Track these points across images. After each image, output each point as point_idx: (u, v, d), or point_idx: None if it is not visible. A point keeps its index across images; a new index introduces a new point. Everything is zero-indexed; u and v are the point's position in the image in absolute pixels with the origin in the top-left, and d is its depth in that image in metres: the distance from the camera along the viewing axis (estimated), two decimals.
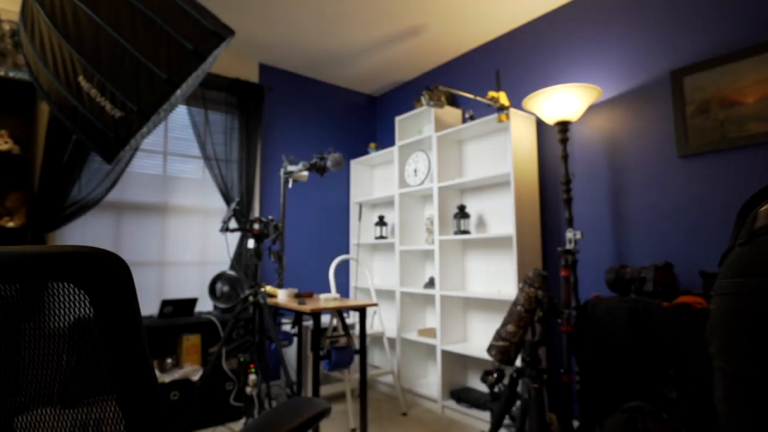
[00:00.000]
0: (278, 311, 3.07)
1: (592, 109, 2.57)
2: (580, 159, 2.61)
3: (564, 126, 2.31)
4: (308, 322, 3.15)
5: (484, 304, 3.00)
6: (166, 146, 3.14)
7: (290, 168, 2.72)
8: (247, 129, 3.38)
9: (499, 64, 3.15)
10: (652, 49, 2.32)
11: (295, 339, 3.51)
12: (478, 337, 3.03)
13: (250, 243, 2.42)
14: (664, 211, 2.23)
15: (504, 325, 1.94)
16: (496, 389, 2.03)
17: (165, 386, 2.47)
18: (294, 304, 2.30)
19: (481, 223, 3.09)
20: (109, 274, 0.53)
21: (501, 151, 2.98)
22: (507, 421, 2.50)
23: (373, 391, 3.41)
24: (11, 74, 2.37)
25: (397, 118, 3.47)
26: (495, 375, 2.02)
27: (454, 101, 3.49)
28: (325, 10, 2.85)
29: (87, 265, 0.53)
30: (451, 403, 2.84)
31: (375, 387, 3.50)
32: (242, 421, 2.73)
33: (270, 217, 2.46)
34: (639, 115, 2.36)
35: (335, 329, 3.02)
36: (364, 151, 4.21)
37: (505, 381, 2.68)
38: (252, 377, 2.30)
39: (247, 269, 3.18)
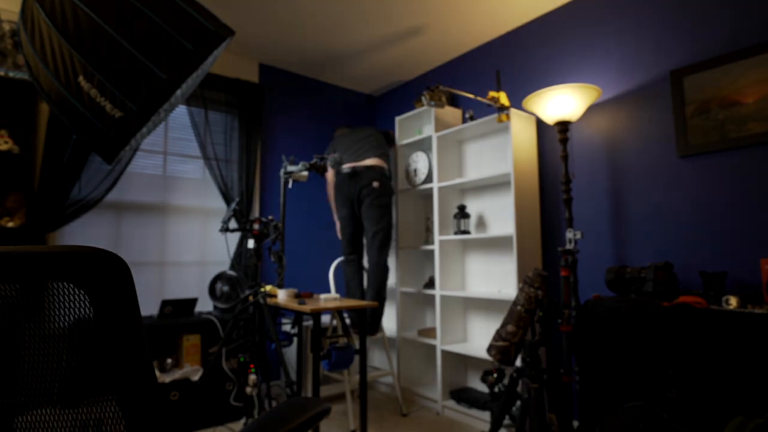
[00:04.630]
0: (278, 311, 3.07)
1: (592, 109, 2.57)
2: (580, 159, 2.61)
3: (564, 126, 2.31)
4: (308, 322, 3.15)
5: (484, 304, 3.00)
6: (166, 146, 3.14)
7: (290, 168, 2.72)
8: (247, 129, 3.37)
9: (499, 64, 3.15)
10: (652, 49, 2.32)
11: (295, 339, 3.51)
12: (478, 337, 3.03)
13: (250, 243, 2.42)
14: (664, 211, 2.23)
15: (504, 325, 1.94)
16: (496, 389, 2.03)
17: (165, 386, 2.47)
18: (294, 304, 2.30)
19: (481, 223, 3.09)
20: (109, 274, 0.53)
21: (501, 151, 2.98)
22: (507, 421, 2.50)
23: (373, 392, 3.41)
24: (11, 74, 2.37)
25: (397, 118, 3.47)
26: (495, 375, 2.03)
27: (454, 101, 3.49)
28: (325, 10, 2.85)
29: (87, 265, 0.53)
30: (451, 403, 2.84)
31: (375, 387, 3.50)
32: (242, 421, 2.73)
33: (270, 217, 2.46)
34: (639, 115, 2.36)
35: (335, 329, 3.02)
36: None
37: (505, 381, 2.68)
38: (252, 377, 2.31)
39: (247, 269, 3.18)
